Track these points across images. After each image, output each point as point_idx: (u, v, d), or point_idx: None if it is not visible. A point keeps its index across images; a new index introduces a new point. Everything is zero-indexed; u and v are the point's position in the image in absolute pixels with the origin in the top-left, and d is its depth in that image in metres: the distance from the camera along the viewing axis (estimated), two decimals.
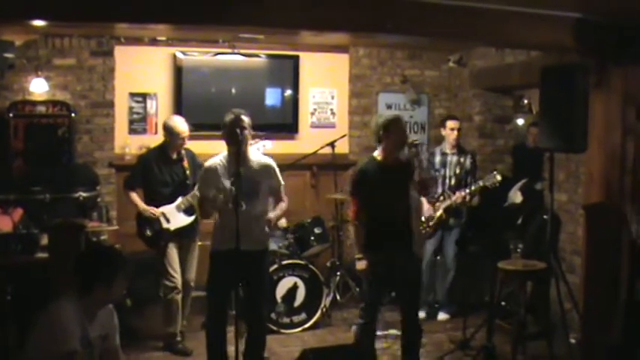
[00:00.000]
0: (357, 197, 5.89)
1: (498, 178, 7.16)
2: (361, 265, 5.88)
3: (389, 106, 9.45)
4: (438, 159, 7.95)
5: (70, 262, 4.12)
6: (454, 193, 7.62)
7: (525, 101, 9.48)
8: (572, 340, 6.20)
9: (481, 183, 7.29)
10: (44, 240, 6.11)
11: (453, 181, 7.79)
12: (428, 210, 7.77)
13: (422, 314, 7.83)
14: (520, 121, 9.85)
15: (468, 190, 7.37)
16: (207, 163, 5.86)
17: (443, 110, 9.61)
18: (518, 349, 6.14)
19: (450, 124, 7.98)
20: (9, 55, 7.11)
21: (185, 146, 6.79)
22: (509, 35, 5.50)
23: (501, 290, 6.67)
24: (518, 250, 6.25)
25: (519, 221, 7.49)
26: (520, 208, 7.57)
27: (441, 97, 9.71)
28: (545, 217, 6.65)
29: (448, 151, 7.93)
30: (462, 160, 7.79)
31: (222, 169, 5.70)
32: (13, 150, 7.73)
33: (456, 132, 7.88)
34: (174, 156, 6.76)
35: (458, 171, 7.76)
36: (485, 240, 7.73)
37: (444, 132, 8.06)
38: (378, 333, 6.61)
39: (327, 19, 5.10)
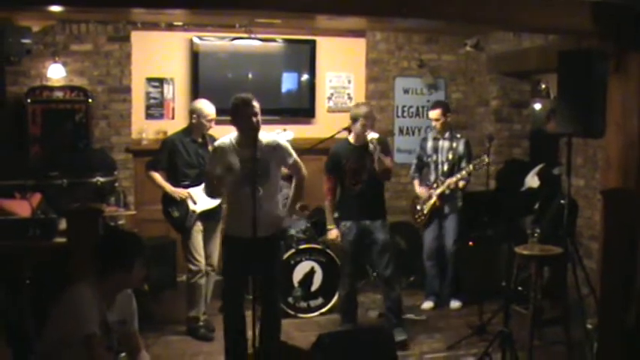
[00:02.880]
0: (332, 174, 6.74)
1: (486, 160, 7.06)
2: (332, 234, 6.78)
3: (406, 91, 9.45)
4: (429, 144, 7.79)
5: (88, 246, 4.14)
6: (447, 179, 7.51)
7: (543, 86, 9.43)
8: (589, 326, 6.17)
9: (471, 167, 7.26)
10: (62, 225, 6.14)
11: (445, 167, 7.61)
12: (423, 193, 7.73)
13: (430, 304, 7.85)
14: (537, 106, 9.80)
15: (458, 176, 7.37)
16: (216, 143, 5.86)
17: (460, 95, 9.60)
18: (534, 334, 6.12)
19: (430, 114, 7.84)
20: (26, 41, 7.14)
21: (210, 131, 6.84)
22: (526, 19, 5.46)
23: (518, 275, 6.65)
24: (535, 234, 6.23)
25: (536, 206, 7.47)
26: (537, 193, 7.55)
27: (458, 81, 9.68)
28: (562, 202, 6.63)
29: (439, 136, 7.76)
30: (454, 145, 7.63)
31: (232, 149, 5.66)
32: (31, 136, 7.79)
33: (438, 122, 7.68)
34: (200, 140, 6.82)
35: (450, 156, 7.59)
36: (502, 224, 7.72)
37: None
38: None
39: (343, 3, 5.08)
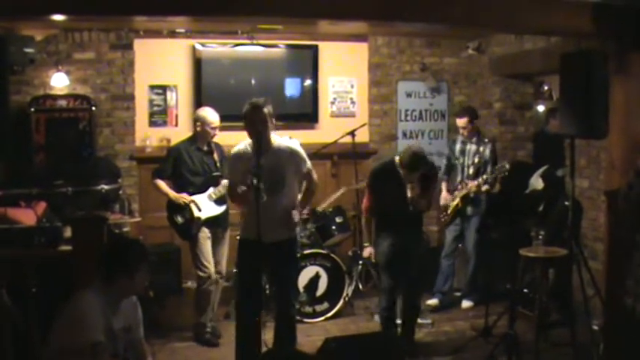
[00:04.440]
0: (372, 193, 6.41)
1: (507, 167, 7.22)
2: (367, 252, 6.63)
3: (408, 94, 9.45)
4: (458, 147, 7.95)
5: (93, 254, 4.16)
6: (471, 182, 7.60)
7: (545, 88, 9.44)
8: (595, 327, 6.18)
9: (491, 172, 7.34)
10: (67, 233, 6.15)
11: (471, 170, 7.76)
12: (446, 198, 7.82)
13: (435, 301, 7.92)
14: (540, 108, 9.81)
15: (480, 180, 7.43)
16: (233, 150, 5.87)
17: (463, 97, 9.59)
18: (540, 336, 6.12)
19: (457, 122, 8.01)
20: (29, 50, 7.16)
21: (215, 138, 6.88)
22: (527, 21, 5.46)
23: (523, 277, 6.66)
24: (540, 237, 6.23)
25: (541, 208, 7.46)
26: (541, 195, 7.54)
27: (461, 84, 9.67)
28: (566, 203, 6.63)
29: (467, 139, 7.91)
30: (480, 149, 7.76)
31: (245, 156, 5.67)
32: (35, 144, 7.80)
33: (465, 129, 7.86)
34: (205, 147, 6.85)
35: (476, 160, 7.71)
36: (506, 227, 7.72)
37: None
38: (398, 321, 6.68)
39: (344, 8, 5.09)
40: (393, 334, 6.28)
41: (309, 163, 5.93)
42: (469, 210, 7.80)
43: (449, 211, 7.78)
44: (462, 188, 7.69)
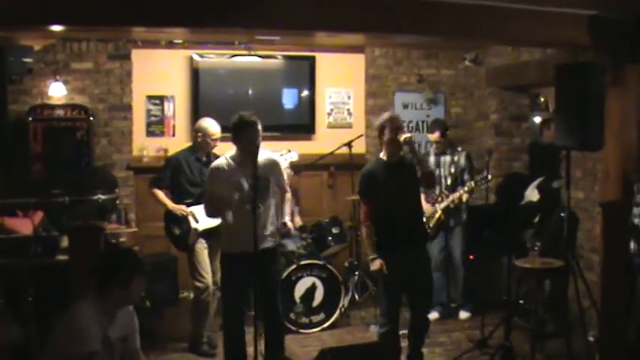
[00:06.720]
0: (367, 197, 5.92)
1: (489, 177, 7.19)
2: (375, 265, 5.83)
3: (405, 106, 9.45)
4: (432, 159, 7.90)
5: (90, 264, 4.17)
6: (451, 193, 7.61)
7: (542, 99, 9.46)
8: (591, 339, 6.17)
9: (472, 183, 7.40)
10: (64, 242, 6.17)
11: (449, 181, 7.76)
12: (427, 210, 7.58)
13: (435, 315, 7.83)
14: (537, 119, 9.84)
15: (461, 191, 7.45)
16: (214, 164, 6.04)
17: (459, 109, 9.61)
18: (536, 348, 6.13)
19: (430, 137, 8.06)
20: (28, 60, 7.17)
21: (214, 149, 6.93)
22: (523, 33, 5.49)
23: (519, 288, 6.67)
24: (536, 248, 6.25)
25: (536, 219, 7.48)
26: (537, 206, 7.56)
27: (458, 95, 9.69)
28: (562, 214, 6.64)
29: (441, 151, 7.92)
30: (455, 158, 7.79)
31: (233, 169, 5.84)
32: (33, 154, 7.81)
33: (439, 143, 7.90)
34: (204, 158, 6.86)
35: (453, 170, 7.73)
36: (502, 238, 7.73)
37: None
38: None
39: (342, 20, 5.11)
40: (395, 349, 6.06)
41: (285, 176, 6.25)
42: (451, 221, 7.82)
43: (431, 225, 7.71)
44: (442, 200, 7.67)
